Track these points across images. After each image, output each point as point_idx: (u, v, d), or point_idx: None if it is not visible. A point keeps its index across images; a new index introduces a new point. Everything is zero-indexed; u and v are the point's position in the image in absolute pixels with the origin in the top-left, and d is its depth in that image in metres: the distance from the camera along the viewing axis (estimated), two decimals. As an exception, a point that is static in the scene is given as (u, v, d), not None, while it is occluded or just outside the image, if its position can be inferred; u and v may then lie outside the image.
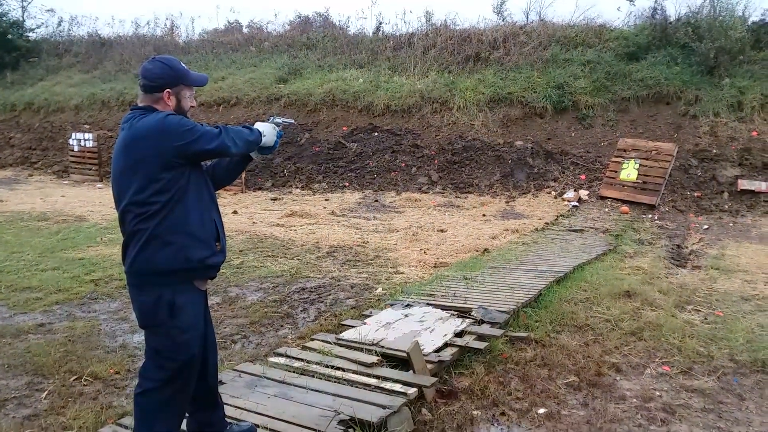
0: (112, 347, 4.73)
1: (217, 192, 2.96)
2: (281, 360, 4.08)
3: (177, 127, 2.57)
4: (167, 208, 2.58)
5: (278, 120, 3.16)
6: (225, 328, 5.21)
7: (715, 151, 12.91)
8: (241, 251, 8.14)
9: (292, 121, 3.45)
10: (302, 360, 4.05)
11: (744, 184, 11.80)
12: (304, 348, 4.38)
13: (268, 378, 3.75)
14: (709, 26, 15.09)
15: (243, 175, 14.43)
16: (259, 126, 3.01)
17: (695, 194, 12.02)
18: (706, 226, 10.29)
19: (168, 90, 2.70)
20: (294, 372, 3.85)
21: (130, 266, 2.63)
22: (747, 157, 12.48)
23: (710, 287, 6.58)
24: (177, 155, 2.57)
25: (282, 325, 5.34)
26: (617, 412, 3.74)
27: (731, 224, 10.52)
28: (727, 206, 11.46)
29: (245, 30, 24.39)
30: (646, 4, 24.41)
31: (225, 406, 3.15)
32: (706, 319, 5.50)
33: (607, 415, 3.68)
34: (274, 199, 13.21)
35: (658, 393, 4.01)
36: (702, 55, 14.69)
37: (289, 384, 3.65)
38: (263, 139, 2.97)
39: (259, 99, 17.90)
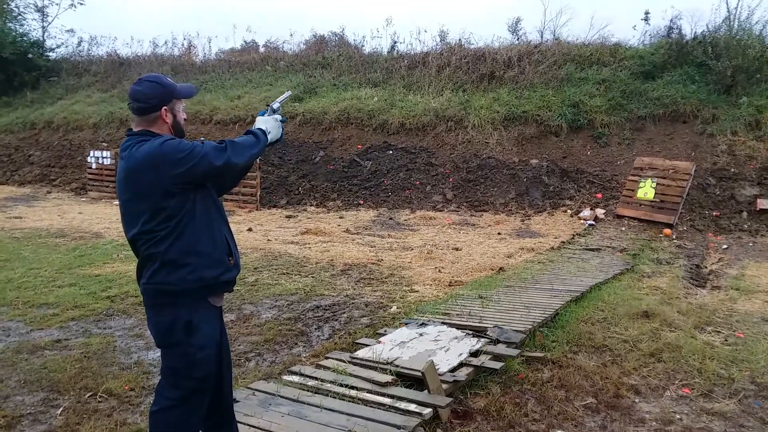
0: (127, 364, 4.73)
1: (231, 210, 2.97)
2: (295, 378, 4.06)
3: (174, 154, 2.53)
4: (177, 232, 2.58)
5: (277, 104, 3.11)
6: (239, 345, 5.20)
7: (733, 170, 12.77)
8: (255, 269, 8.15)
9: (289, 92, 3.39)
10: (316, 378, 4.03)
11: (763, 204, 11.63)
12: (318, 366, 4.36)
13: (281, 396, 3.73)
14: (727, 44, 15.01)
15: (258, 193, 14.53)
16: (261, 123, 2.97)
17: (714, 213, 11.88)
18: (725, 246, 10.15)
19: (165, 107, 2.69)
20: (308, 390, 3.83)
21: (145, 287, 2.64)
22: (766, 176, 12.32)
23: (730, 308, 6.46)
24: (176, 183, 2.55)
25: (296, 343, 5.32)
26: (637, 435, 3.67)
27: (751, 244, 10.37)
28: (746, 226, 11.31)
29: (261, 49, 24.72)
30: (661, 23, 24.38)
31: (239, 424, 3.13)
32: (726, 340, 5.40)
33: (626, 438, 3.61)
34: (289, 217, 13.25)
35: (678, 416, 3.93)
36: (719, 74, 14.61)
37: (303, 402, 3.62)
38: (269, 136, 2.94)
39: (275, 117, 18.02)
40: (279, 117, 3.05)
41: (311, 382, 3.96)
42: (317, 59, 21.45)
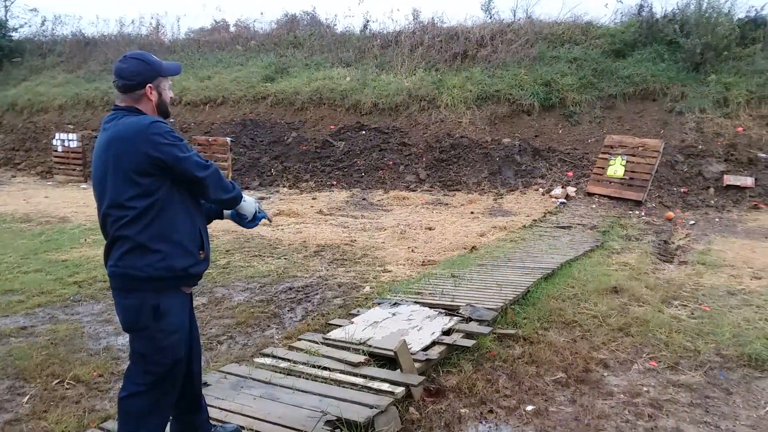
0: (95, 350, 4.66)
1: None
2: (267, 360, 4.04)
3: (159, 137, 2.49)
4: (150, 215, 2.52)
5: (262, 207, 3.08)
6: (211, 329, 5.16)
7: (701, 147, 12.99)
8: (227, 251, 8.07)
9: (270, 221, 3.36)
10: (289, 360, 4.01)
11: (730, 180, 11.87)
12: (291, 348, 4.35)
13: (254, 379, 3.71)
14: (696, 22, 15.19)
15: (229, 175, 14.36)
16: (245, 194, 2.94)
17: (682, 190, 12.09)
18: (692, 222, 10.34)
19: (149, 85, 2.65)
20: (280, 372, 3.81)
21: (112, 271, 2.58)
22: (732, 152, 12.57)
23: (697, 282, 6.60)
24: (150, 164, 2.49)
25: (269, 326, 5.29)
26: (605, 407, 3.73)
27: (717, 219, 10.58)
28: (713, 202, 11.53)
29: (232, 29, 24.27)
30: (632, 1, 24.52)
31: (210, 408, 3.11)
32: (692, 314, 5.52)
33: (594, 411, 3.67)
34: (262, 199, 13.13)
35: (645, 388, 4.01)
36: (688, 52, 14.80)
37: (276, 385, 3.61)
38: (243, 204, 2.89)
39: (246, 98, 17.82)
40: (259, 206, 3.02)
41: (284, 364, 3.94)
42: (289, 39, 21.20)
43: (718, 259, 7.67)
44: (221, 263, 7.39)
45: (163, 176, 2.54)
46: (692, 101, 13.95)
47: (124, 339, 4.76)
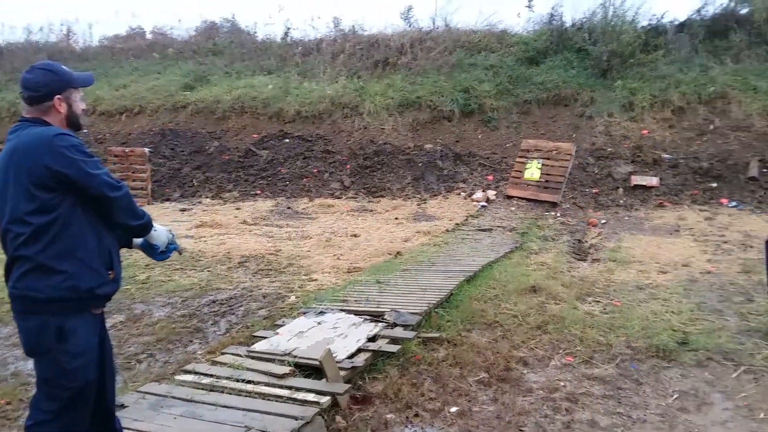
0: (2, 376, 4.41)
1: None
2: (189, 377, 3.95)
3: (64, 151, 2.38)
4: (51, 232, 2.40)
5: (174, 238, 2.98)
6: (129, 347, 4.98)
7: (610, 149, 13.68)
8: (146, 265, 7.79)
9: (181, 253, 3.24)
10: (212, 376, 3.93)
11: (637, 180, 12.55)
12: (214, 363, 4.26)
13: (174, 397, 3.61)
14: (603, 30, 16.01)
15: (149, 186, 13.90)
16: (156, 224, 2.83)
17: (593, 191, 12.67)
18: (603, 221, 10.87)
19: (58, 96, 2.55)
20: (203, 389, 3.73)
21: (11, 293, 2.46)
22: (639, 154, 13.31)
23: (608, 279, 6.94)
24: (51, 178, 2.38)
25: (191, 341, 5.17)
26: (525, 404, 3.87)
27: (626, 218, 11.16)
28: (622, 201, 12.15)
29: (148, 36, 23.45)
30: (544, 10, 25.57)
31: (127, 431, 3.00)
32: (605, 309, 5.80)
33: (515, 408, 3.81)
34: (183, 210, 12.78)
35: (562, 383, 4.19)
36: (596, 59, 15.58)
37: (198, 402, 3.53)
38: (153, 233, 2.79)
39: (165, 107, 17.31)
40: (172, 236, 2.92)
41: (206, 380, 3.86)
42: (208, 46, 20.81)
43: (628, 255, 8.10)
44: (140, 278, 7.14)
45: (64, 192, 2.43)
46: (601, 106, 14.69)
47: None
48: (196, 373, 4.04)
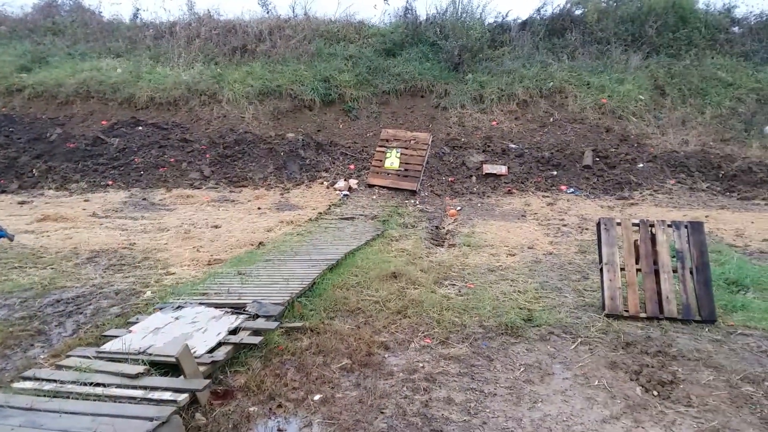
0: None
1: None
2: (29, 384, 3.66)
3: None
4: None
5: (2, 225, 2.73)
6: (-40, 357, 4.51)
7: (463, 139, 14.43)
8: (-22, 266, 7.06)
9: (11, 239, 2.98)
10: (55, 381, 3.67)
11: (488, 169, 13.36)
12: (59, 367, 3.98)
13: (11, 407, 3.33)
14: (453, 26, 16.79)
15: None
16: None
17: (449, 179, 13.30)
18: (459, 208, 11.46)
19: None
20: (45, 396, 3.48)
21: None
22: (489, 144, 14.16)
23: (463, 263, 7.35)
24: None
25: (32, 345, 4.78)
26: (386, 387, 4.03)
27: (479, 204, 11.85)
28: (475, 189, 12.87)
29: (-26, 12, 20.97)
30: (399, 3, 26.28)
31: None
32: (460, 291, 6.16)
33: (377, 392, 3.95)
34: (22, 203, 11.64)
35: (421, 364, 4.41)
36: (448, 53, 16.34)
37: (39, 410, 3.29)
38: None
39: (-4, 90, 15.68)
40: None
41: (49, 386, 3.60)
42: (46, 25, 19.08)
43: (481, 240, 8.61)
44: (-30, 281, 6.45)
45: None
46: (454, 98, 15.46)
47: None
48: (36, 379, 3.75)
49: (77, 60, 16.98)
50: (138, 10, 19.62)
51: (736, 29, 17.77)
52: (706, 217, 10.08)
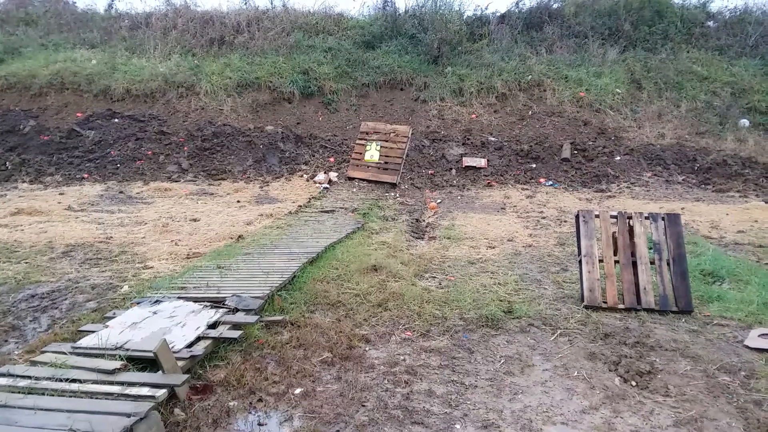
0: None
1: None
2: (3, 381, 3.58)
3: None
4: None
5: None
6: (-70, 354, 4.41)
7: (443, 132, 14.45)
8: (-51, 261, 6.91)
9: None
10: (30, 377, 3.60)
11: (468, 161, 13.40)
12: (33, 363, 3.90)
13: (-14, 404, 3.27)
14: (432, 19, 16.77)
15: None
16: None
17: (429, 172, 13.31)
18: (439, 200, 11.48)
19: None
20: (19, 392, 3.41)
21: None
22: (468, 137, 14.20)
23: (444, 255, 7.36)
24: None
25: (6, 341, 4.69)
26: (367, 380, 4.02)
27: (459, 197, 11.88)
28: (455, 181, 12.91)
29: (-58, 0, 20.47)
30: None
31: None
32: (440, 284, 6.17)
33: (358, 385, 3.94)
34: (-6, 197, 11.43)
35: (402, 357, 4.40)
36: (427, 46, 16.33)
37: (13, 407, 3.22)
38: None
39: (-34, 81, 15.32)
40: None
41: (23, 382, 3.52)
42: (19, 15, 18.70)
43: (461, 233, 8.64)
44: (-59, 276, 6.31)
45: None
46: (434, 91, 15.46)
47: None
48: (10, 375, 3.67)
49: (51, 51, 16.69)
50: (113, 0, 19.30)
51: (711, 23, 18.01)
52: (682, 209, 10.22)
